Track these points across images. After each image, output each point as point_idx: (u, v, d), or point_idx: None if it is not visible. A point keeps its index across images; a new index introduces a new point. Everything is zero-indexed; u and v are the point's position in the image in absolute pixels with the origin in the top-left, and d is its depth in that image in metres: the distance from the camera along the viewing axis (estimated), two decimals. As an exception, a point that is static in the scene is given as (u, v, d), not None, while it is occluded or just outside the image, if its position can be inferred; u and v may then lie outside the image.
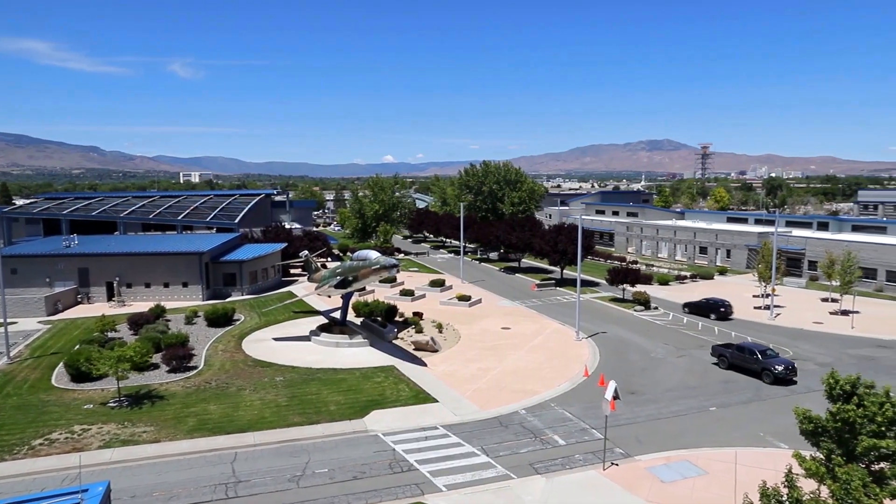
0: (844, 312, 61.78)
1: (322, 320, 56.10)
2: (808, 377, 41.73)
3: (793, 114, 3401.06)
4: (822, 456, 22.10)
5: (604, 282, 72.79)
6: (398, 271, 49.86)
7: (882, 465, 21.36)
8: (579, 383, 40.75)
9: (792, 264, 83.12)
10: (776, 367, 41.64)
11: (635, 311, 63.64)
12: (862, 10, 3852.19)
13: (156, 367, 43.15)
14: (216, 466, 28.87)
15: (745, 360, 43.46)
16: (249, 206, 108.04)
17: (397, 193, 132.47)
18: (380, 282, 67.37)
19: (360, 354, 46.96)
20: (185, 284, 67.31)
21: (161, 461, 29.38)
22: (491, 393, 38.49)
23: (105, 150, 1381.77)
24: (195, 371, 42.69)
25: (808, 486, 19.97)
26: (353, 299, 57.05)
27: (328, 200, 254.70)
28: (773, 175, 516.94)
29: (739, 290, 74.54)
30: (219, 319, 55.91)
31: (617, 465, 28.74)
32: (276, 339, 51.28)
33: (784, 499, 16.22)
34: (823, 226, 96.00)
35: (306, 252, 67.34)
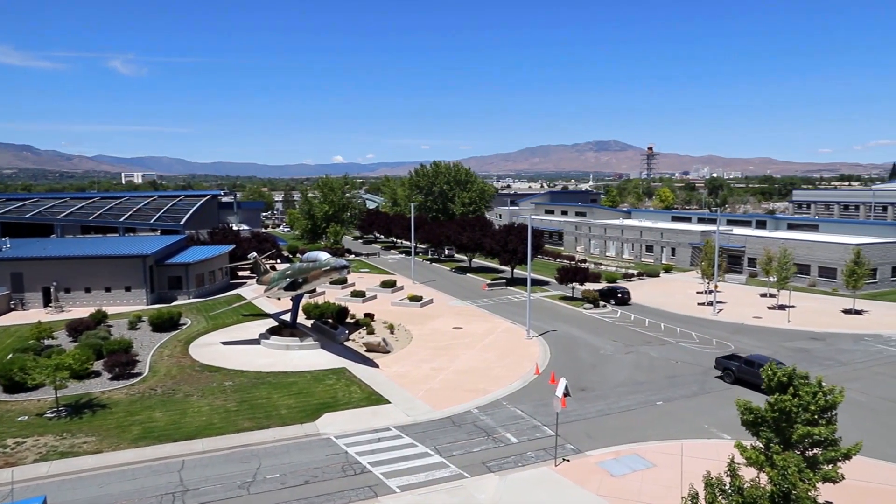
0: (781, 307, 64.35)
1: (272, 323, 55.20)
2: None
3: (732, 116, 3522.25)
4: (761, 445, 23.05)
5: (554, 280, 73.84)
6: (349, 272, 49.54)
7: (815, 450, 22.46)
8: (530, 381, 41.26)
9: (733, 261, 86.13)
10: None
11: (584, 309, 64.80)
12: (795, 16, 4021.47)
13: (97, 374, 41.62)
14: (163, 476, 28.07)
15: (756, 375, 37.32)
16: (195, 207, 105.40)
17: (347, 194, 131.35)
18: (330, 283, 66.72)
19: (311, 357, 46.42)
20: (128, 288, 65.19)
21: (103, 473, 28.37)
22: (443, 393, 38.61)
23: (40, 150, 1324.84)
24: (139, 378, 41.38)
25: (749, 473, 20.76)
26: (304, 301, 56.35)
27: (277, 201, 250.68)
28: (715, 175, 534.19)
29: (684, 287, 76.80)
30: (164, 324, 54.34)
31: (568, 460, 29.23)
32: (224, 343, 50.20)
33: (727, 487, 16.82)
34: (761, 224, 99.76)
35: (255, 254, 66.07)
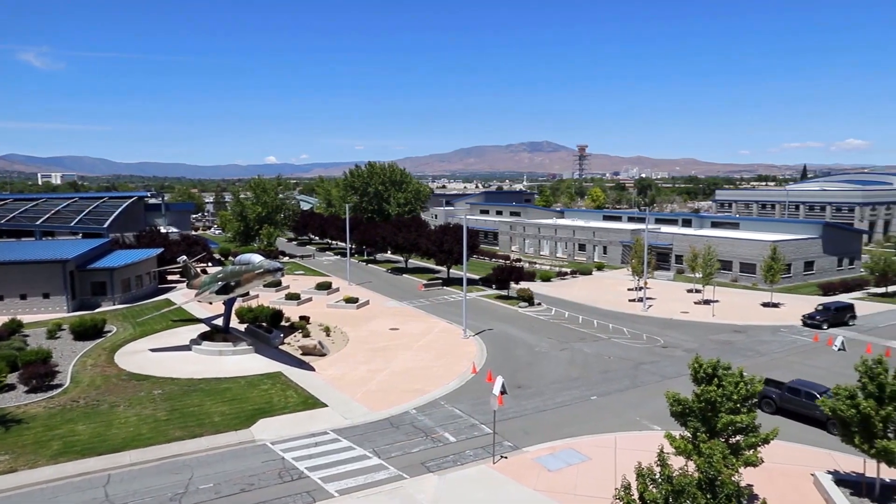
0: (706, 302, 67.17)
1: (203, 328, 53.55)
2: (677, 363, 45.00)
3: (660, 118, 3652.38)
4: (689, 434, 24.01)
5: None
6: (283, 275, 48.60)
7: (738, 437, 23.58)
8: (468, 380, 41.55)
9: (661, 259, 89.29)
10: None
11: (519, 307, 65.75)
12: (713, 22, 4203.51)
13: (11, 388, 39.11)
14: (86, 492, 26.75)
15: (801, 404, 34.77)
16: (120, 209, 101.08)
17: (281, 195, 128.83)
18: (264, 286, 65.31)
19: (244, 362, 45.28)
20: (46, 295, 61.80)
21: (18, 492, 26.72)
22: (381, 394, 38.41)
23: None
24: (60, 389, 39.28)
25: (678, 462, 21.58)
26: (236, 305, 54.94)
27: (208, 203, 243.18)
28: (644, 176, 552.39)
29: (615, 284, 79.07)
30: (87, 332, 51.82)
31: (506, 457, 29.59)
32: (153, 350, 48.33)
33: (657, 476, 17.40)
34: (687, 223, 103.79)
35: (185, 257, 63.88)
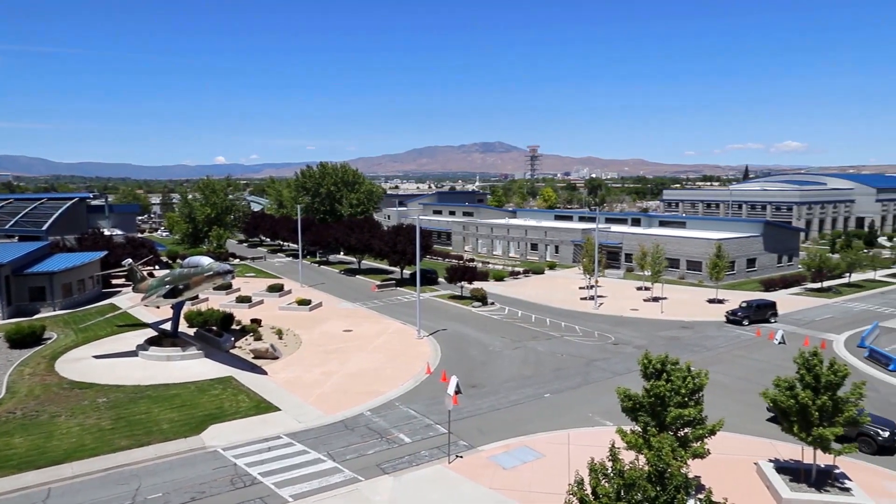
0: (655, 299, 68.85)
1: (151, 333, 52.06)
2: (628, 359, 46.00)
3: (609, 119, 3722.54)
4: (639, 429, 24.59)
5: (443, 280, 74.75)
6: (233, 277, 47.58)
7: (686, 430, 24.27)
8: (422, 381, 41.55)
9: (612, 257, 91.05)
10: (880, 432, 30.70)
11: (473, 307, 66.11)
12: (660, 24, 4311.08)
13: (-55, 398, 37.43)
14: (26, 504, 25.69)
15: None
16: (60, 211, 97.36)
17: (231, 196, 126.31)
18: (214, 289, 63.92)
19: (194, 367, 44.21)
20: (-20, 302, 59.09)
21: (-45, 506, 25.56)
22: (335, 397, 38.07)
23: None
24: (-3, 399, 37.63)
25: (629, 456, 22.06)
26: (185, 309, 53.61)
27: (154, 204, 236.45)
28: (594, 176, 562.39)
29: (567, 283, 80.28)
30: (25, 339, 49.71)
31: (461, 457, 29.71)
32: (97, 357, 46.71)
33: (609, 471, 17.75)
34: (636, 222, 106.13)
35: (130, 260, 61.89)
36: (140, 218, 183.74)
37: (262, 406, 36.48)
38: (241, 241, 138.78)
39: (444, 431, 31.71)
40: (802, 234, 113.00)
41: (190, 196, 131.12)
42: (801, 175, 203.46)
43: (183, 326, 52.45)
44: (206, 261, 45.06)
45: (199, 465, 29.17)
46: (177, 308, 49.35)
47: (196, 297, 60.01)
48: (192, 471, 28.60)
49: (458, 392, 30.70)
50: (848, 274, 79.70)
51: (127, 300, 67.45)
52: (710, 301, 67.87)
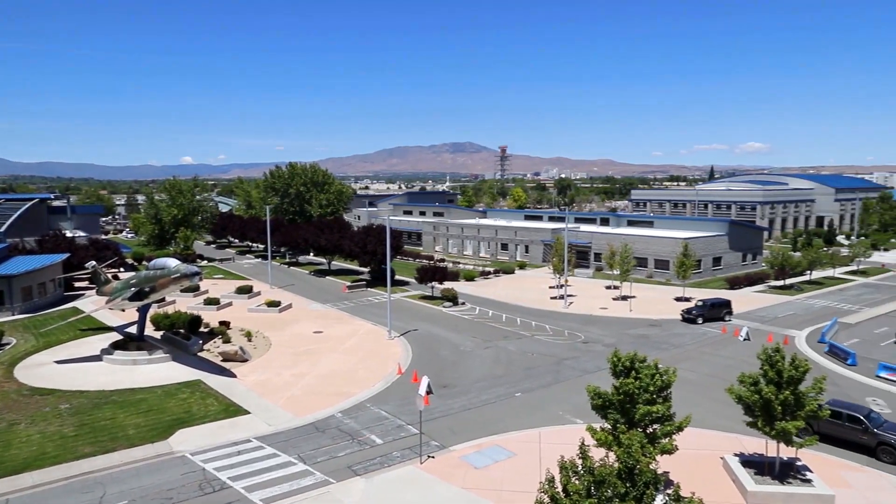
0: (624, 297, 69.71)
1: (116, 337, 50.95)
2: (597, 358, 46.50)
3: (578, 119, 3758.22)
4: (609, 426, 24.87)
5: (413, 280, 74.64)
6: (201, 279, 46.88)
7: (655, 426, 24.63)
8: (393, 381, 41.44)
9: (581, 257, 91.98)
10: None
11: (444, 307, 66.18)
12: (631, 25, 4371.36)
13: None
14: (-14, 515, 24.95)
15: (844, 430, 31.22)
16: (19, 212, 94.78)
17: (198, 197, 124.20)
18: (181, 291, 62.78)
19: (161, 371, 43.41)
20: (-65, 307, 57.17)
21: None
22: (305, 399, 37.74)
23: None
24: (-47, 407, 36.44)
25: (599, 454, 22.29)
26: (152, 311, 52.63)
27: (119, 205, 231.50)
28: (563, 176, 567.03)
29: (537, 283, 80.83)
30: (-17, 345, 48.31)
31: (433, 457, 29.70)
32: (59, 362, 45.55)
33: (579, 469, 17.91)
34: (605, 221, 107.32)
35: (94, 263, 60.45)
36: (104, 219, 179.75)
37: (231, 409, 35.99)
38: (209, 243, 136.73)
39: (415, 432, 31.66)
40: (766, 233, 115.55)
41: (156, 197, 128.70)
42: (764, 175, 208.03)
43: (149, 329, 51.51)
44: (172, 262, 44.30)
45: (166, 471, 28.65)
46: (143, 311, 48.41)
47: (163, 299, 58.92)
48: (159, 477, 28.08)
49: (429, 392, 30.73)
50: (809, 271, 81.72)
51: (91, 303, 65.93)
52: (678, 299, 68.97)
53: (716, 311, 59.89)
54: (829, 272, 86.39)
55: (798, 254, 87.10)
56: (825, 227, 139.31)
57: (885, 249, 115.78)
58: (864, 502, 25.43)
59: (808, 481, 26.14)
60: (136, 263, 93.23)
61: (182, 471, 28.66)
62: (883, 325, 56.84)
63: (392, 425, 33.89)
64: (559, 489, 17.92)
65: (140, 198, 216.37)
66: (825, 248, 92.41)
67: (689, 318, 59.41)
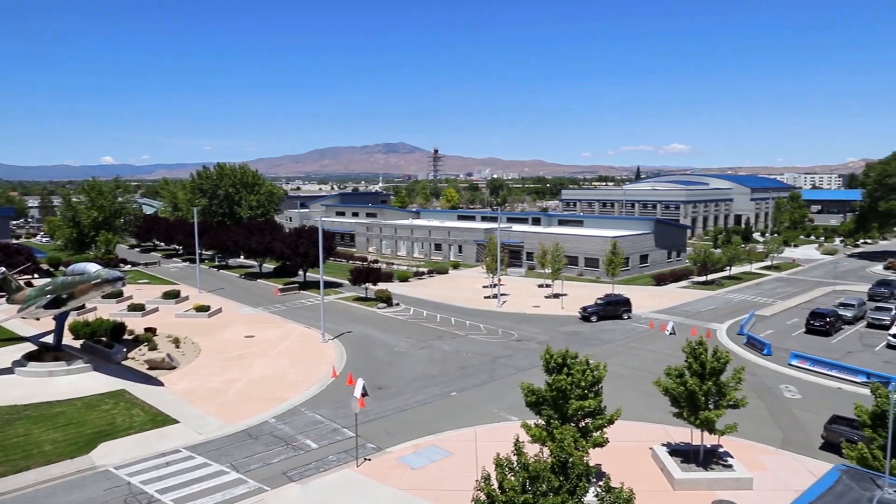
0: (556, 295, 71.18)
1: (30, 347, 48.18)
2: (531, 355, 47.32)
3: (509, 120, 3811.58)
4: (543, 422, 25.38)
5: (347, 282, 73.90)
6: (124, 284, 44.92)
7: (587, 421, 25.32)
8: (328, 385, 40.93)
9: (514, 256, 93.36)
10: None
11: (378, 308, 65.83)
12: (558, 25, 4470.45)
13: None
14: None
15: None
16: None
17: (120, 198, 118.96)
18: (103, 297, 60.00)
19: (82, 382, 41.32)
20: None
21: None
22: (237, 405, 36.78)
23: None
24: None
25: (534, 449, 22.72)
26: (70, 319, 50.06)
27: (32, 207, 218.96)
28: (495, 176, 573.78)
29: (471, 282, 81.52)
30: None
31: (370, 459, 29.52)
32: (-35, 376, 42.69)
33: (514, 465, 18.19)
34: (537, 221, 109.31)
35: (3, 269, 56.98)
36: (15, 222, 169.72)
37: (159, 419, 34.67)
38: (132, 247, 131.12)
39: (351, 435, 31.38)
40: (689, 232, 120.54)
41: (74, 199, 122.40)
42: (686, 176, 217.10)
43: (68, 339, 48.99)
44: (93, 267, 42.28)
45: (87, 488, 27.31)
46: (60, 319, 45.96)
47: (82, 306, 56.21)
48: (79, 494, 26.73)
49: (364, 394, 30.53)
50: (728, 268, 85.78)
51: (0, 313, 62.13)
52: (607, 296, 70.98)
53: (612, 308, 60.95)
54: (747, 268, 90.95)
55: (718, 251, 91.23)
56: (742, 225, 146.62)
57: (796, 246, 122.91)
58: (777, 482, 26.98)
59: (730, 466, 27.55)
60: (52, 269, 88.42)
61: (105, 486, 27.38)
62: (794, 317, 60.29)
63: (327, 429, 33.47)
64: (495, 486, 18.15)
65: (56, 200, 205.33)
66: (743, 245, 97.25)
67: (584, 315, 60.35)
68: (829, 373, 42.45)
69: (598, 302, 61.75)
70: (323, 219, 68.61)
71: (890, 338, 49.91)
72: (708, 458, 28.06)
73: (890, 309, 57.74)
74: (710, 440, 28.46)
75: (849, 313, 57.75)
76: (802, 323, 56.43)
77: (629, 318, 60.73)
